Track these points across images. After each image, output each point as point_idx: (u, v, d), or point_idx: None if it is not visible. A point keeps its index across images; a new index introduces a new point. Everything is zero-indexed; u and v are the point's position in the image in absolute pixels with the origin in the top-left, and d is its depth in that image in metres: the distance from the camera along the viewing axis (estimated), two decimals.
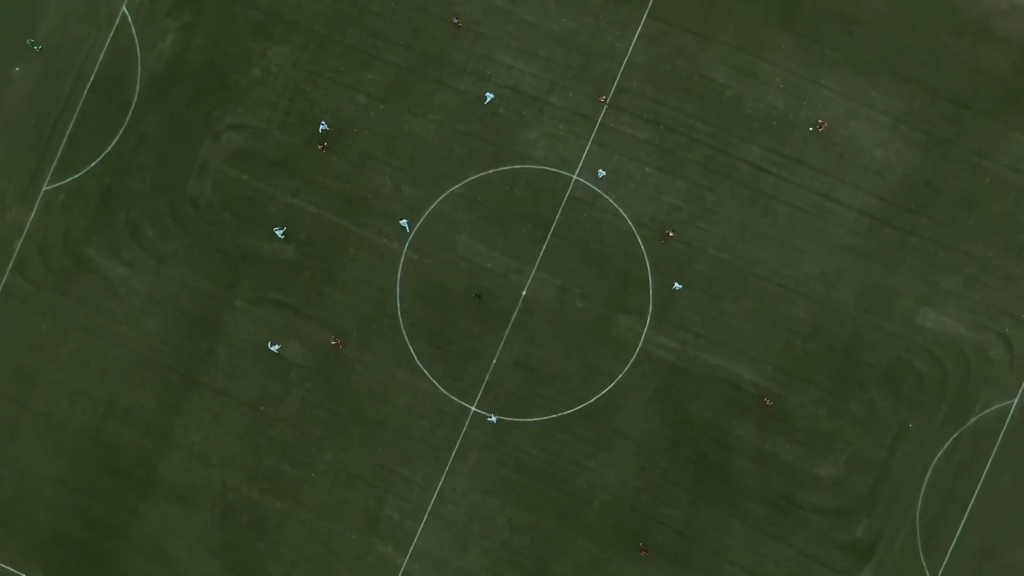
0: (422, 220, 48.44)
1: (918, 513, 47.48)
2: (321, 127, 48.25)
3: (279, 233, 48.23)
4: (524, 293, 48.23)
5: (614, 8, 47.98)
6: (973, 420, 47.40)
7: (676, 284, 47.46)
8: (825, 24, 47.92)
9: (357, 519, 48.56)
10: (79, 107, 48.95)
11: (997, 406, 47.38)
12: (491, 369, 48.10)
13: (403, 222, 48.02)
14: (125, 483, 49.05)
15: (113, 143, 48.97)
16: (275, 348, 48.25)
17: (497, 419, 47.72)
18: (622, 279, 47.91)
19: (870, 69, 47.78)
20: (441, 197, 48.42)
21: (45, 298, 49.12)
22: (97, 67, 48.98)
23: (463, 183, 48.43)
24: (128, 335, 49.11)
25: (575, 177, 48.13)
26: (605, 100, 47.72)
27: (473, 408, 48.28)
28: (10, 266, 49.06)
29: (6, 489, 49.29)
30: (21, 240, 49.14)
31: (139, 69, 49.09)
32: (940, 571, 47.18)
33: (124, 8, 48.95)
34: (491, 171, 48.45)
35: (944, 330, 47.34)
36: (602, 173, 47.64)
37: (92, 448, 49.22)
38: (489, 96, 47.77)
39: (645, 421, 47.81)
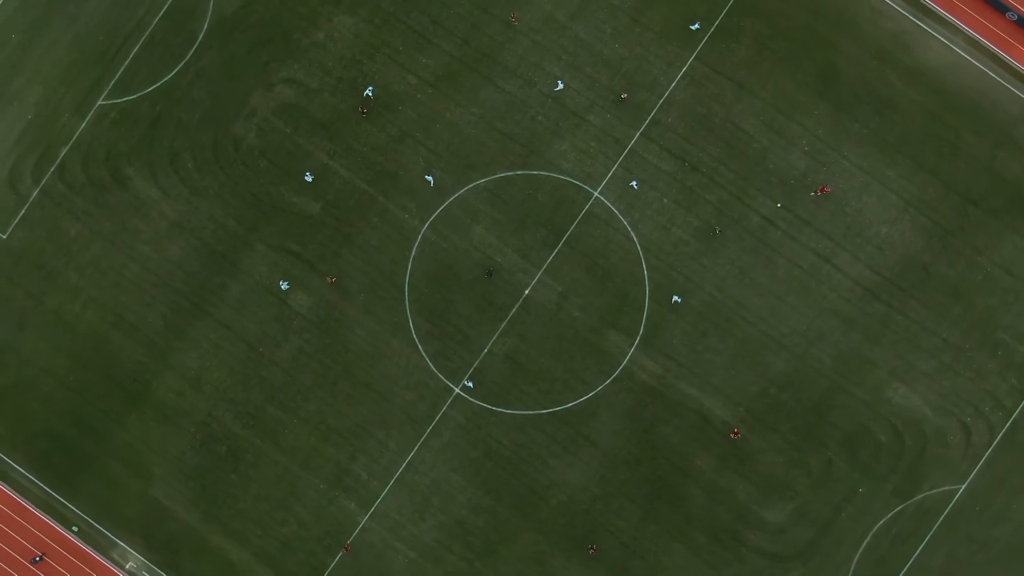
0: (445, 205, 50.88)
1: (850, 573, 50.01)
2: (367, 92, 50.63)
3: (308, 177, 50.61)
4: (527, 292, 50.70)
5: (665, 44, 50.41)
6: (919, 497, 49.92)
7: (675, 298, 49.96)
8: (860, 100, 50.33)
9: (327, 470, 51.09)
10: (147, 33, 51.32)
11: (945, 488, 49.89)
12: (481, 356, 50.62)
13: (428, 177, 50.37)
14: (118, 393, 51.55)
15: (172, 74, 51.41)
16: (285, 286, 50.64)
17: (472, 384, 50.15)
18: (620, 298, 50.40)
19: (892, 151, 50.22)
20: (468, 187, 50.88)
21: (79, 205, 51.58)
22: None
23: (490, 178, 50.87)
24: (149, 255, 51.58)
25: (596, 194, 50.59)
26: (627, 99, 50.05)
27: (457, 390, 50.79)
28: (52, 169, 51.49)
29: (6, 376, 51.76)
30: (67, 147, 51.56)
31: (210, 8, 51.44)
32: None
33: None
34: (519, 172, 50.90)
35: (910, 407, 49.85)
36: (635, 184, 50.02)
37: (94, 354, 51.69)
38: (560, 84, 50.29)
39: (614, 434, 50.35)
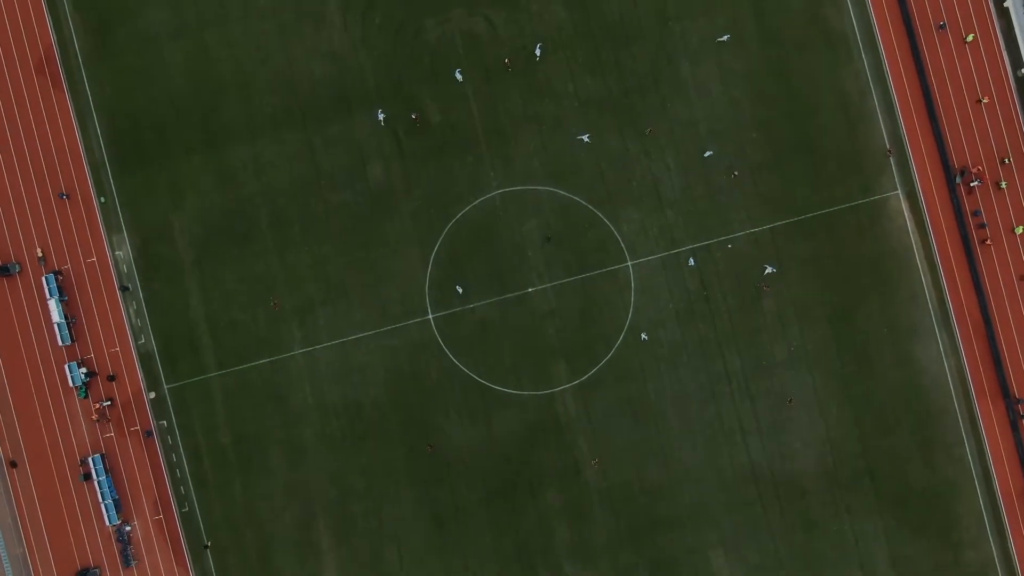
0: (522, 188, 59.15)
1: None
2: (536, 49, 58.75)
3: (458, 75, 58.80)
4: (529, 291, 59.17)
5: (758, 203, 58.83)
6: None
7: (643, 335, 58.44)
8: (853, 346, 58.95)
9: (300, 298, 59.40)
10: None
11: None
12: (463, 308, 59.16)
13: (585, 139, 58.47)
14: (202, 133, 59.50)
15: None
16: (380, 115, 58.50)
17: (461, 290, 58.53)
18: (588, 345, 58.93)
19: (847, 397, 58.85)
20: (548, 188, 59.22)
21: None
22: None
23: (568, 195, 59.21)
24: (298, 59, 59.61)
25: (628, 263, 59.03)
26: (736, 177, 58.30)
27: (430, 316, 59.33)
28: None
29: (136, 60, 59.70)
30: None
31: None
32: None
33: None
34: (590, 206, 59.26)
35: (717, 574, 58.55)
36: (692, 262, 58.45)
37: (207, 93, 59.60)
38: (709, 152, 58.42)
39: (507, 431, 58.98)
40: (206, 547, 58.80)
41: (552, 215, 59.18)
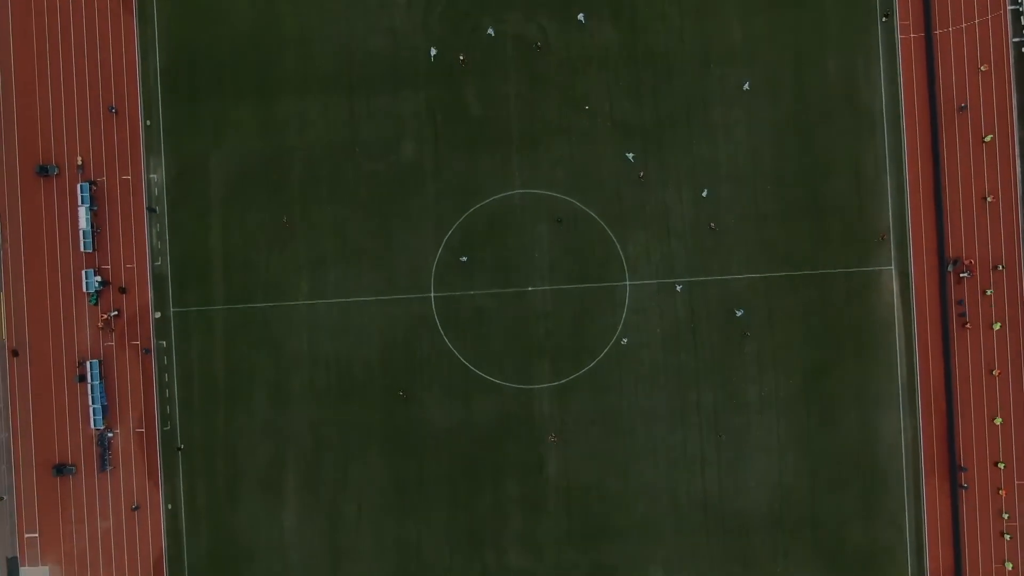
0: (540, 191, 62.13)
1: None
2: (580, 17, 61.65)
3: (491, 31, 61.72)
4: (528, 289, 62.18)
5: (759, 256, 61.88)
6: None
7: (623, 339, 61.42)
8: (820, 401, 61.91)
9: (315, 253, 62.08)
10: None
11: None
12: (464, 293, 62.13)
13: (629, 155, 61.25)
14: (254, 82, 61.91)
15: None
16: (434, 51, 60.76)
17: (466, 259, 61.54)
18: (574, 350, 61.93)
19: (805, 444, 61.89)
20: (565, 197, 62.19)
21: None
22: None
23: (584, 207, 62.19)
24: (358, 29, 62.37)
25: (627, 283, 62.08)
26: (714, 227, 61.65)
27: (431, 295, 62.29)
28: None
29: (209, 1, 62.89)
30: None
31: None
32: None
33: None
34: (601, 222, 62.25)
35: None
36: (680, 287, 61.60)
37: (269, 44, 62.27)
38: (705, 192, 61.71)
39: (482, 417, 61.92)
40: (179, 449, 61.74)
41: (564, 221, 62.14)
